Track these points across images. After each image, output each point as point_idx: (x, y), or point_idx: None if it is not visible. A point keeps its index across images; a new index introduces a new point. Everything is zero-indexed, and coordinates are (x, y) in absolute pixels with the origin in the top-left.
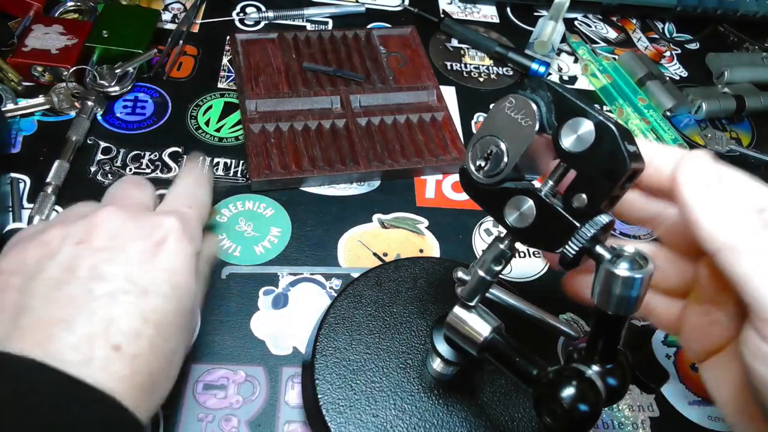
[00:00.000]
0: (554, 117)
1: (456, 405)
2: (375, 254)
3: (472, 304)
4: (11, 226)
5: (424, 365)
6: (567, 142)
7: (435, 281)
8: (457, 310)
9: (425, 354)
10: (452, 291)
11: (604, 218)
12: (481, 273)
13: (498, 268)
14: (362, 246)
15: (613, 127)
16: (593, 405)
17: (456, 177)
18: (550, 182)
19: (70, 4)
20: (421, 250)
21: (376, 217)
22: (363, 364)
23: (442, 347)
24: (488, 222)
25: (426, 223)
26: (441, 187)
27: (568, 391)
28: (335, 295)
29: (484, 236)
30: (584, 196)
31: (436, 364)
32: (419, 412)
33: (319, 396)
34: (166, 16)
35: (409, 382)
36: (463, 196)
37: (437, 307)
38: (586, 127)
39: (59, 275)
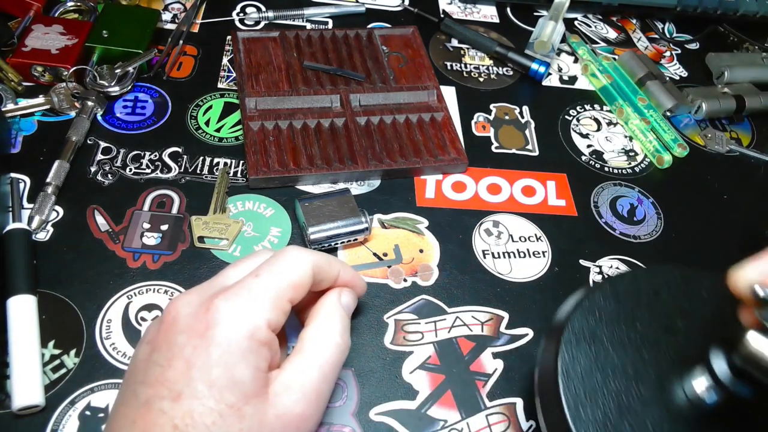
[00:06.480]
0: None
1: None
2: (375, 254)
3: None
4: (11, 226)
5: (677, 387)
6: None
7: (678, 294)
8: (757, 337)
9: (677, 374)
10: (700, 306)
11: None
12: None
13: None
14: (362, 246)
15: None
16: None
17: (456, 177)
18: None
19: (70, 4)
20: (420, 251)
21: (376, 217)
22: (606, 383)
23: (723, 372)
24: (488, 222)
25: (426, 223)
26: (441, 187)
27: None
28: None
29: (484, 236)
30: None
31: (701, 389)
32: None
33: (567, 415)
34: (166, 16)
35: (660, 404)
36: (463, 196)
37: (685, 324)
38: None
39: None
